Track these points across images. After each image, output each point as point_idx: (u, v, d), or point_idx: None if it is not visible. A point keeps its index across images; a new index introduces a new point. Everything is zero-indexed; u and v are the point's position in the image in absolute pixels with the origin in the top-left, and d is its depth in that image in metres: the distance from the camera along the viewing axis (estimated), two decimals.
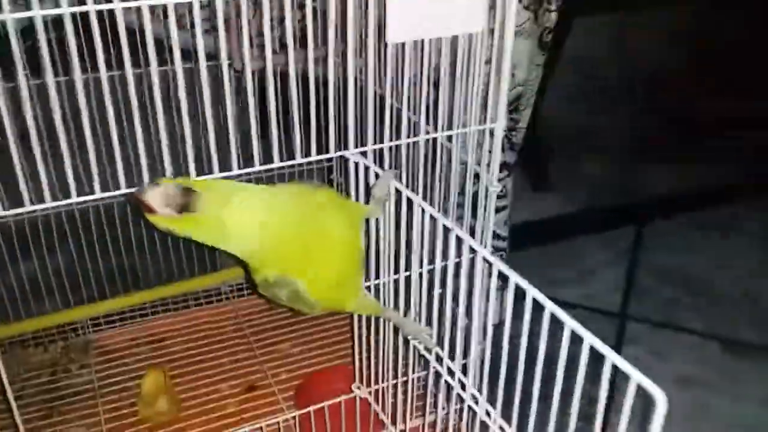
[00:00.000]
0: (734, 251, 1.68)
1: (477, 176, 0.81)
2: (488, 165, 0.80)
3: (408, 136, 0.76)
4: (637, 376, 0.44)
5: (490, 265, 0.58)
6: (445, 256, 0.67)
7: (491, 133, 0.78)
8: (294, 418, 0.91)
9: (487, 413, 0.66)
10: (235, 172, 0.68)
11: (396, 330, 0.80)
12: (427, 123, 0.78)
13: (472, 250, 0.61)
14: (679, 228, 1.77)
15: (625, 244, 1.67)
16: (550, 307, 0.52)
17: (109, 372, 1.14)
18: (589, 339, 0.48)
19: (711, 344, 1.35)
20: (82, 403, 1.08)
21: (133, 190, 0.61)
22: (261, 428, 0.85)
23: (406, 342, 0.79)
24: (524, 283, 0.55)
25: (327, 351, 1.18)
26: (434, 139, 0.81)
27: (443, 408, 0.76)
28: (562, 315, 0.51)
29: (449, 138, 0.80)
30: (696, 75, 2.32)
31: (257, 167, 0.69)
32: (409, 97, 0.74)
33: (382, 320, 0.81)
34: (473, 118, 0.78)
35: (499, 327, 0.62)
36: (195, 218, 0.61)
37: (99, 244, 1.19)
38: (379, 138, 0.74)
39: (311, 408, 0.87)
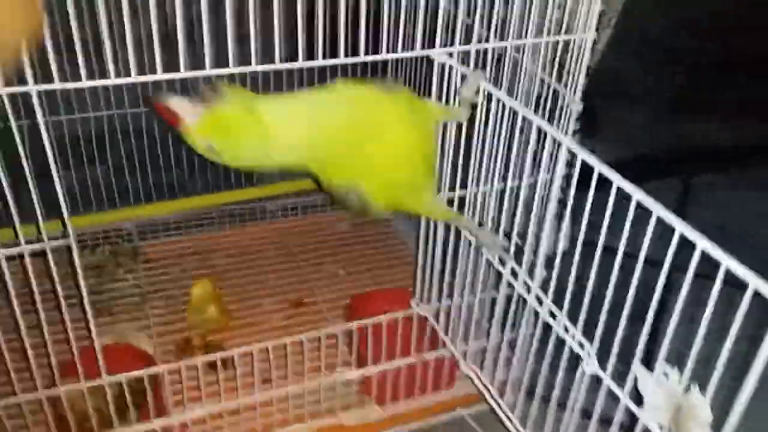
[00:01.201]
0: None
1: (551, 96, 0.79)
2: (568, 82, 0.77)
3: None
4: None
5: (573, 156, 0.56)
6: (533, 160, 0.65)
7: (575, 47, 0.74)
8: (349, 333, 0.90)
9: (566, 329, 0.64)
10: (299, 64, 0.64)
11: (458, 247, 0.78)
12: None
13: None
14: (727, 182, 1.73)
15: (669, 196, 1.64)
16: (638, 196, 0.50)
17: (155, 279, 1.14)
18: (680, 226, 0.47)
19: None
20: (130, 305, 1.08)
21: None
22: (318, 339, 0.84)
23: (477, 257, 0.77)
24: (609, 172, 0.53)
25: (375, 274, 1.17)
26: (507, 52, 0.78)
27: (514, 330, 0.75)
28: (650, 203, 0.49)
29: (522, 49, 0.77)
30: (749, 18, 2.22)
31: (342, 59, 0.65)
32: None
33: (451, 235, 0.79)
34: (548, 31, 0.75)
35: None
36: (228, 114, 0.59)
37: (143, 156, 1.18)
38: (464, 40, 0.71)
39: (368, 321, 0.86)
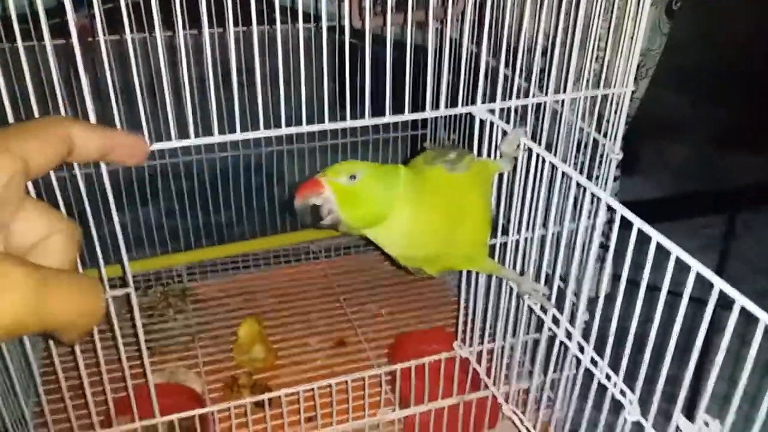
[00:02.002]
0: None
1: (591, 144, 0.81)
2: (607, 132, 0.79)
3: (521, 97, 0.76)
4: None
5: (613, 212, 0.58)
6: (572, 215, 0.67)
7: (614, 99, 0.76)
8: (391, 373, 0.92)
9: (608, 377, 0.65)
10: (348, 123, 0.66)
11: (500, 291, 0.80)
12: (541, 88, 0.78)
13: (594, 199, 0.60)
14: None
15: (713, 233, 1.63)
16: (676, 251, 0.51)
17: (203, 319, 1.18)
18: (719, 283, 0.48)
19: None
20: (180, 345, 1.11)
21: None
22: (363, 379, 0.86)
23: (518, 302, 0.78)
24: (648, 229, 0.54)
25: (417, 314, 1.19)
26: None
27: (556, 372, 0.76)
28: (689, 259, 0.50)
29: (563, 102, 0.79)
30: None
31: (388, 117, 0.68)
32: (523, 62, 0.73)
33: (493, 280, 0.81)
34: (587, 83, 0.77)
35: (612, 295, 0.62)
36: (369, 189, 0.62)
37: (192, 200, 1.23)
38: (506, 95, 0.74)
39: (411, 363, 0.88)
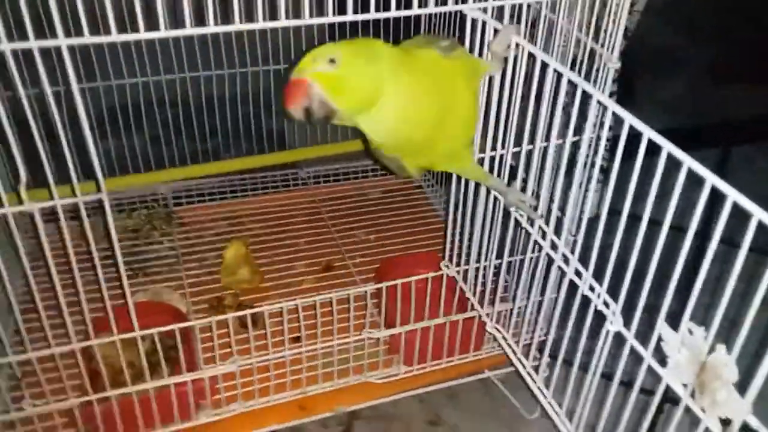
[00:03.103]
0: None
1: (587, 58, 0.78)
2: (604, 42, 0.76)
3: None
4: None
5: (604, 109, 0.55)
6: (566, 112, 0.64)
7: (612, 8, 0.73)
8: (378, 295, 0.91)
9: (591, 288, 0.64)
10: (351, 17, 0.63)
11: (488, 210, 0.78)
12: None
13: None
14: (765, 153, 1.69)
15: (708, 166, 1.60)
16: (668, 147, 0.49)
17: (189, 242, 1.16)
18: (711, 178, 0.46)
19: None
20: (165, 267, 1.10)
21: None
22: (348, 298, 0.85)
23: (506, 220, 0.77)
24: (640, 125, 0.52)
25: (405, 240, 1.17)
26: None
27: (542, 288, 0.75)
28: (679, 154, 0.48)
29: (557, 8, 0.76)
30: None
31: (373, 14, 0.64)
32: None
33: (481, 197, 0.79)
34: None
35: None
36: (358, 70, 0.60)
37: (179, 125, 1.20)
38: None
39: (397, 281, 0.87)
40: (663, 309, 0.53)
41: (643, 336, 0.57)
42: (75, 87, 0.58)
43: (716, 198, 0.48)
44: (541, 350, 0.75)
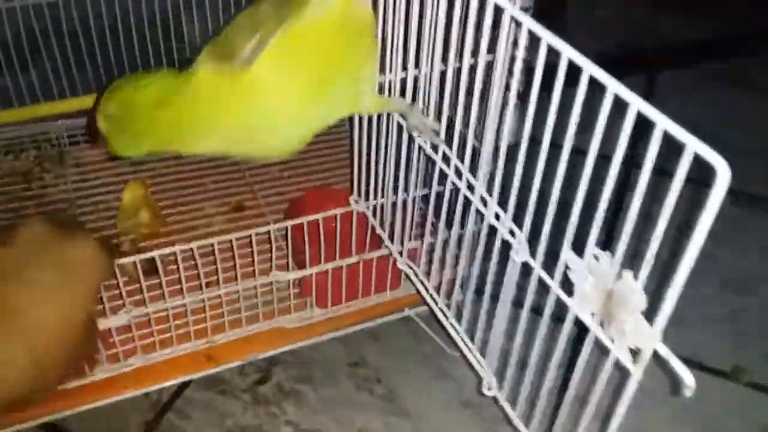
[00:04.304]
0: (747, 105, 1.60)
1: None
2: None
3: None
4: (694, 144, 0.36)
5: (518, 24, 0.49)
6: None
7: None
8: (286, 229, 0.85)
9: (497, 217, 0.59)
10: None
11: (394, 141, 0.72)
12: None
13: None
14: (692, 79, 1.68)
15: (637, 92, 1.58)
16: (588, 68, 0.43)
17: (84, 184, 1.07)
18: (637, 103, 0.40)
19: None
20: (57, 212, 1.01)
21: None
22: (250, 238, 0.79)
23: (410, 141, 0.70)
24: (558, 43, 0.45)
25: (317, 176, 1.11)
26: None
27: (450, 220, 0.70)
28: (601, 76, 0.42)
29: None
30: None
31: None
32: None
33: (384, 128, 0.73)
34: None
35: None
36: None
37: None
38: None
39: (304, 219, 0.81)
40: (568, 235, 0.49)
41: (552, 264, 0.52)
42: None
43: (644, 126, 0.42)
44: (451, 285, 0.71)
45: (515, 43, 0.56)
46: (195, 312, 0.81)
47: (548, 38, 0.47)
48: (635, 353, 0.46)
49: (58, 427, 0.85)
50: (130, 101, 0.59)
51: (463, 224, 0.64)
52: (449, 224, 0.67)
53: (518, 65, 0.55)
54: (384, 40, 0.67)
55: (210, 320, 0.83)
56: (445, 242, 0.72)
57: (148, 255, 0.77)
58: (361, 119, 0.74)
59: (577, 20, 1.81)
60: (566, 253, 0.48)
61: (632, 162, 0.42)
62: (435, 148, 0.65)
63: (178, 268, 0.76)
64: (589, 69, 0.43)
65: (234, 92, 0.57)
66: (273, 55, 0.57)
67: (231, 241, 0.78)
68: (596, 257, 0.46)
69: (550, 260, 0.53)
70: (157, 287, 0.78)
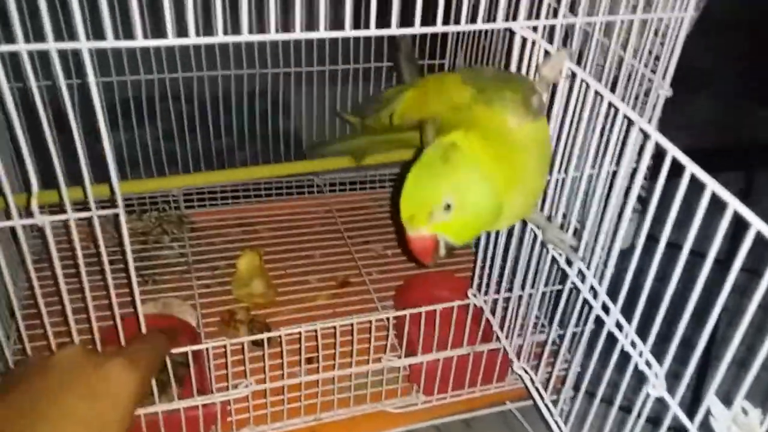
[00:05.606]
0: None
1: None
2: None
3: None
4: None
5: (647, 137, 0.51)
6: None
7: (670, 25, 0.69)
8: (397, 317, 0.87)
9: (633, 344, 0.59)
10: (372, 32, 0.59)
11: (523, 237, 0.74)
12: None
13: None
14: None
15: (731, 190, 1.56)
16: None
17: (200, 249, 1.12)
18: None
19: None
20: (175, 275, 1.06)
21: None
22: (369, 323, 0.81)
23: (541, 251, 0.72)
24: (683, 157, 0.47)
25: None
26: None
27: (576, 326, 0.70)
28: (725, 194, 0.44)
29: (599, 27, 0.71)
30: None
31: (417, 28, 0.60)
32: None
33: (516, 226, 0.75)
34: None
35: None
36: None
37: (192, 123, 1.15)
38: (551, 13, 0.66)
39: (421, 309, 0.83)
40: (714, 382, 0.48)
41: (689, 404, 0.52)
42: (93, 85, 0.52)
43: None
44: (561, 383, 0.71)
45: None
46: (307, 386, 0.83)
47: (658, 138, 0.49)
48: None
49: None
50: (471, 194, 0.58)
51: (593, 345, 0.64)
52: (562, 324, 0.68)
53: (641, 173, 0.57)
54: None
55: (320, 397, 0.85)
56: (560, 340, 0.72)
57: (273, 334, 0.80)
58: None
59: (669, 114, 1.81)
60: (711, 399, 0.48)
61: None
62: (569, 262, 0.66)
63: (300, 348, 0.78)
64: (691, 168, 0.46)
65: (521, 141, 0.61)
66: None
67: (352, 324, 0.80)
68: (745, 411, 0.46)
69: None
70: (274, 357, 0.80)
